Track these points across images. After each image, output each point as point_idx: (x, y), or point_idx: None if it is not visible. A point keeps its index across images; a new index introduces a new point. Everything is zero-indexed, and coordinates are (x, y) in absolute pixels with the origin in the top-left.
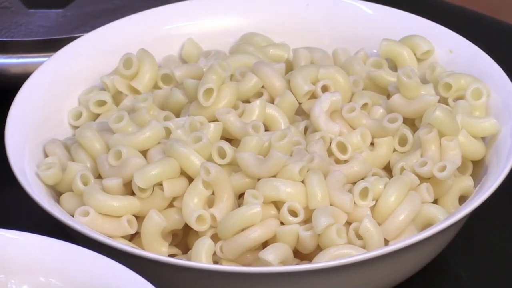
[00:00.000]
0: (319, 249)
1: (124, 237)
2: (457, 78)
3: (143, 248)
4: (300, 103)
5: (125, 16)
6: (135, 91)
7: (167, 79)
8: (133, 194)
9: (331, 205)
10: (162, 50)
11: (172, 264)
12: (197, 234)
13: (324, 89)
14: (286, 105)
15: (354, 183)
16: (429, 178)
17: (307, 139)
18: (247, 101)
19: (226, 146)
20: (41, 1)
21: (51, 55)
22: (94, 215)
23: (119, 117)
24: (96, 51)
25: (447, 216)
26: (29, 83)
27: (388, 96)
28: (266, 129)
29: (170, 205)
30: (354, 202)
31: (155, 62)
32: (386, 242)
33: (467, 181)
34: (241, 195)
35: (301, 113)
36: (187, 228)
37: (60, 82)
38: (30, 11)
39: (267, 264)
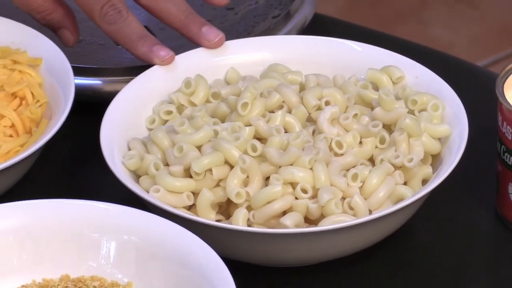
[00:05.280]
0: (322, 216)
1: (184, 207)
2: (421, 96)
3: (197, 215)
4: (309, 113)
5: (186, 51)
6: (193, 104)
7: (216, 95)
8: (190, 177)
9: (331, 185)
10: (212, 75)
11: (218, 227)
12: (236, 206)
13: (327, 103)
14: (300, 115)
15: (347, 170)
16: (401, 167)
17: (314, 138)
18: (272, 112)
19: (257, 143)
20: None
21: (133, 78)
22: (163, 191)
23: (181, 122)
24: (165, 75)
25: (413, 194)
26: (118, 98)
27: (372, 109)
28: (286, 131)
29: (217, 185)
30: (348, 184)
31: (207, 84)
32: (370, 212)
33: (427, 169)
34: (267, 178)
35: (310, 120)
36: (229, 201)
37: (139, 97)
38: (118, 47)
39: (286, 227)
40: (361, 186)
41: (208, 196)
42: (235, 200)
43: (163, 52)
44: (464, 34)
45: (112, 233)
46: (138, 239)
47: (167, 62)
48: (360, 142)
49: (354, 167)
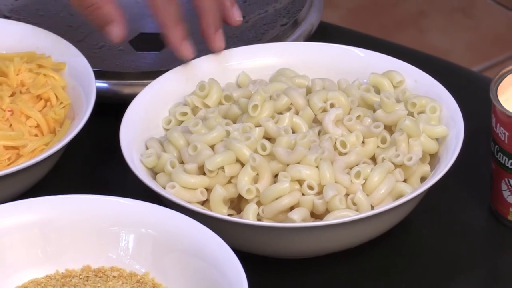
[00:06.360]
0: (327, 211)
1: (198, 202)
2: (420, 99)
3: (211, 210)
4: (315, 115)
5: (200, 57)
6: (207, 106)
7: (228, 98)
8: (204, 174)
9: (336, 182)
10: (225, 79)
11: (230, 221)
12: (247, 201)
13: (332, 105)
14: (306, 116)
15: (351, 168)
16: (401, 165)
17: (320, 138)
18: (280, 113)
19: (266, 142)
20: (144, 46)
21: (150, 82)
22: (178, 188)
23: (195, 123)
24: (181, 79)
25: (412, 190)
26: (136, 100)
27: (374, 111)
28: (293, 132)
29: (229, 181)
30: (351, 181)
31: (220, 87)
32: (372, 208)
33: (426, 168)
34: (276, 176)
35: (316, 121)
36: (240, 197)
37: (157, 99)
38: (137, 53)
39: (293, 221)
40: (364, 183)
41: (220, 192)
42: (246, 196)
43: (187, 52)
44: (460, 41)
45: (131, 227)
46: (155, 232)
47: (186, 60)
48: (363, 142)
49: (357, 165)
